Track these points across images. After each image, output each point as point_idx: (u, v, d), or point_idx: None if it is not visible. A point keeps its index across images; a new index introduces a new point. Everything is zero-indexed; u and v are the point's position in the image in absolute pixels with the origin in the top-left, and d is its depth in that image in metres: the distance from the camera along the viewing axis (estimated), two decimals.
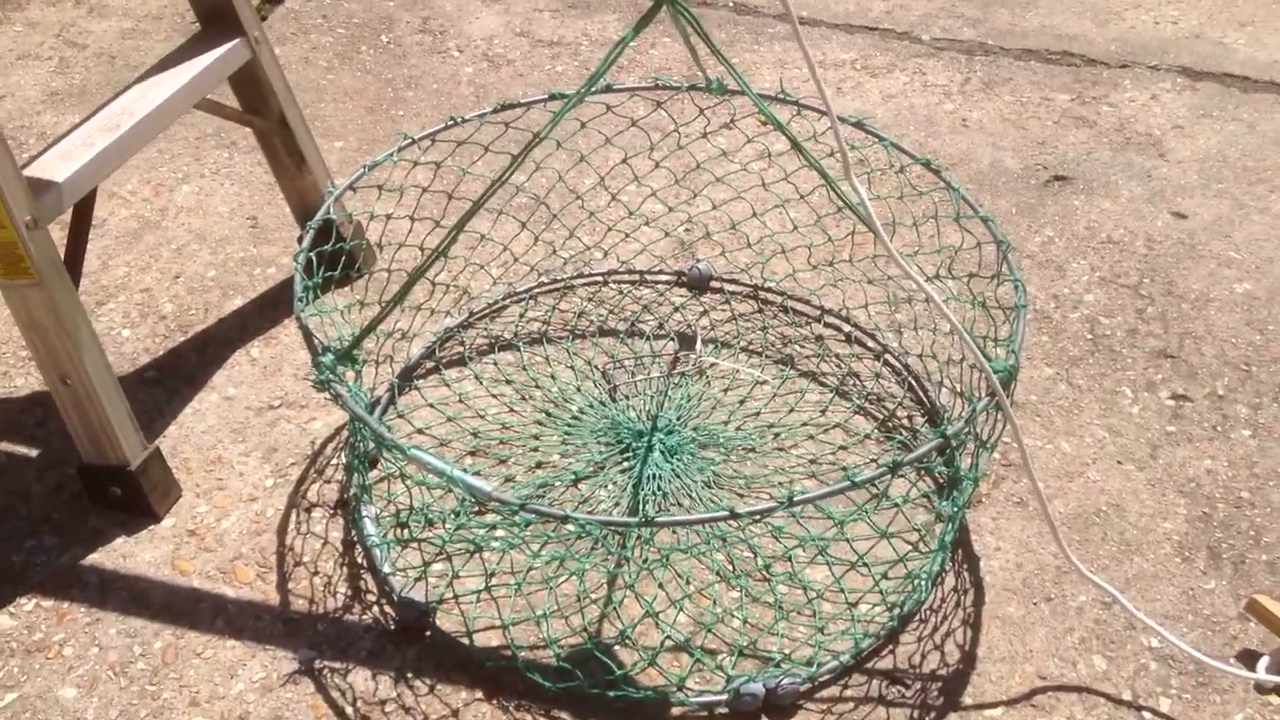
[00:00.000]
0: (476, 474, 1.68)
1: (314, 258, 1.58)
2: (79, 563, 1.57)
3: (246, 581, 1.55)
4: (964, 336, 1.30)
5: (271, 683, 1.42)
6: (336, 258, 1.70)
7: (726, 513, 1.21)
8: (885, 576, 1.46)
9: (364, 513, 1.58)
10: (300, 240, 1.82)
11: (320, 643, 1.47)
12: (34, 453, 1.74)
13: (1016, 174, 2.32)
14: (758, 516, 1.21)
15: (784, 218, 2.11)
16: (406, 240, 1.96)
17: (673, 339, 1.95)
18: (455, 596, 1.51)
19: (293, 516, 1.64)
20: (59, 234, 1.63)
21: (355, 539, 1.60)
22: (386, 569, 1.53)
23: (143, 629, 1.49)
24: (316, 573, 1.56)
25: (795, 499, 1.22)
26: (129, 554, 1.59)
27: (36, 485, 1.69)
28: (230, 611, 1.51)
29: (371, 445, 1.61)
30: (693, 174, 2.16)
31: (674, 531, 1.59)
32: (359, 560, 1.57)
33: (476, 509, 1.61)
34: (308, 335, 1.41)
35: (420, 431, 1.76)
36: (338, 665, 1.44)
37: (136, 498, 1.61)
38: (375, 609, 1.51)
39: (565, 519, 1.20)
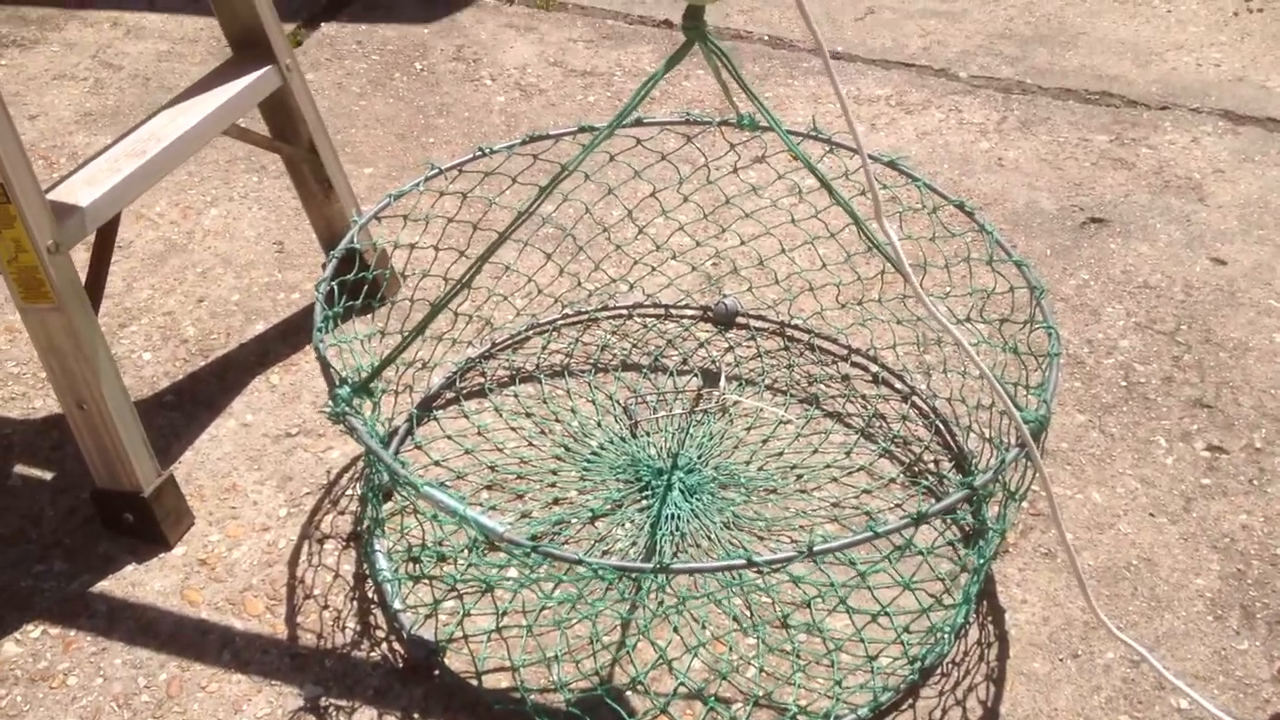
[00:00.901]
0: (492, 509, 1.66)
1: (336, 287, 1.58)
2: (88, 590, 1.56)
3: (255, 614, 1.53)
4: (993, 383, 1.27)
5: (277, 718, 1.40)
6: (360, 286, 1.69)
7: (744, 560, 1.18)
8: (907, 630, 1.42)
9: (376, 546, 1.57)
10: (324, 268, 1.81)
11: (327, 679, 1.45)
12: (49, 476, 1.74)
13: (1052, 215, 2.29)
14: (777, 566, 1.18)
15: (813, 255, 2.08)
16: (431, 269, 1.95)
17: (696, 375, 1.92)
18: (465, 636, 1.48)
19: (305, 547, 1.63)
20: (81, 257, 1.63)
21: (367, 572, 1.58)
22: (397, 605, 1.51)
23: (149, 660, 1.47)
24: (326, 606, 1.54)
25: (816, 548, 1.19)
26: (139, 582, 1.58)
27: (49, 509, 1.68)
28: (237, 644, 1.49)
29: (386, 479, 1.59)
30: (721, 209, 2.14)
31: (691, 577, 1.56)
32: (369, 595, 1.55)
33: (489, 546, 1.59)
34: (325, 366, 1.40)
35: (437, 464, 1.75)
36: (343, 703, 1.42)
37: (148, 525, 1.61)
38: (384, 646, 1.49)
39: (578, 562, 1.18)
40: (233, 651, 1.49)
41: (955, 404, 1.83)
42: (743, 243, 2.06)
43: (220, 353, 1.99)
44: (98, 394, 1.51)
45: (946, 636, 1.45)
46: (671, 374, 1.92)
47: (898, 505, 1.68)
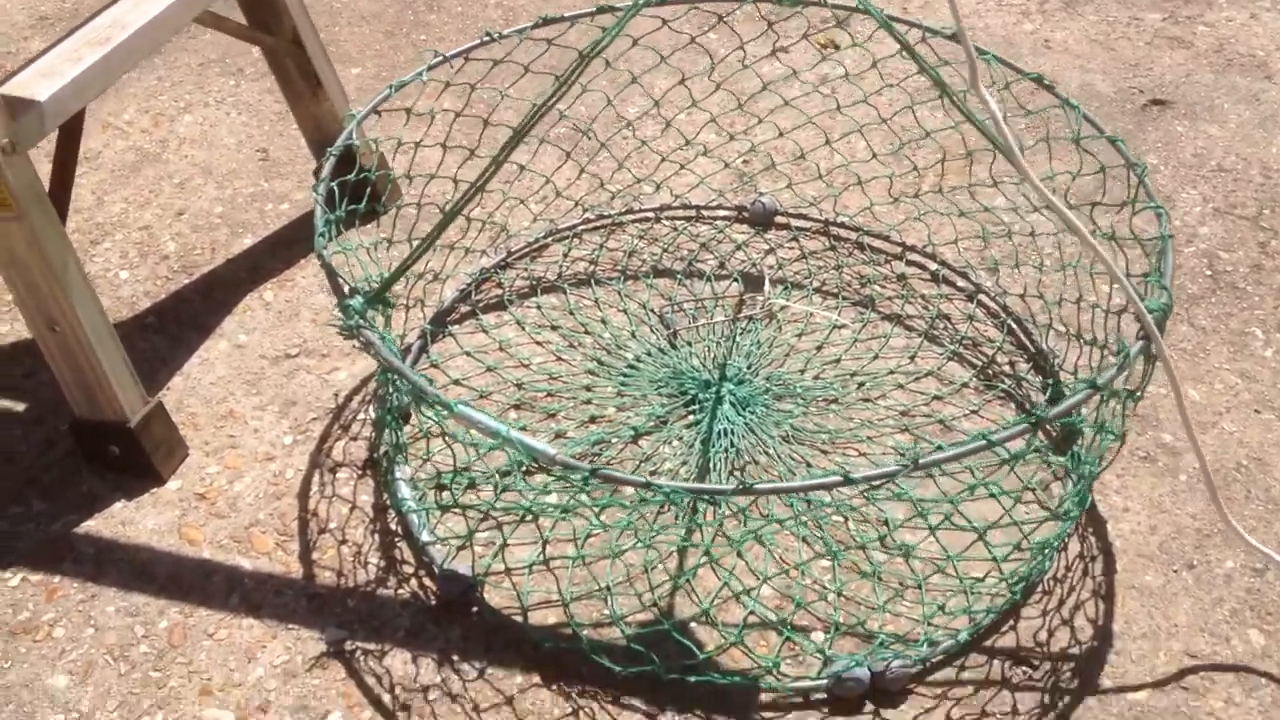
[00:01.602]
0: (523, 430, 1.49)
1: (335, 189, 1.39)
2: (72, 531, 1.39)
3: (265, 551, 1.37)
4: (1114, 271, 1.11)
5: (296, 667, 1.24)
6: (359, 190, 1.50)
7: (839, 477, 1.03)
8: (1019, 547, 1.27)
9: (398, 474, 1.40)
10: (318, 171, 1.62)
11: (351, 621, 1.29)
12: (21, 407, 1.56)
13: (1110, 98, 2.12)
14: (877, 482, 1.02)
15: (859, 145, 1.91)
16: (437, 172, 1.76)
17: (736, 279, 1.76)
18: (505, 568, 1.32)
19: (315, 477, 1.46)
20: (46, 168, 1.44)
21: (388, 503, 1.41)
22: (425, 537, 1.35)
23: (145, 606, 1.31)
24: (344, 541, 1.38)
25: (921, 460, 1.03)
26: (129, 521, 1.41)
27: (23, 443, 1.51)
28: (246, 586, 1.33)
29: (405, 399, 1.42)
30: (757, 97, 1.95)
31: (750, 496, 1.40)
32: (393, 527, 1.39)
33: (526, 469, 1.43)
34: (332, 275, 1.22)
35: (457, 383, 1.58)
36: (372, 646, 1.26)
37: (137, 458, 1.43)
38: (413, 582, 1.33)
39: (647, 485, 1.02)
40: (242, 594, 1.32)
41: (1030, 300, 1.67)
42: (780, 135, 1.88)
43: (205, 269, 1.81)
44: (70, 313, 1.33)
45: (1049, 551, 1.30)
46: (709, 279, 1.75)
47: (974, 412, 1.52)
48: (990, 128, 1.16)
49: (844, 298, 1.72)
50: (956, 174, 1.87)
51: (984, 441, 1.05)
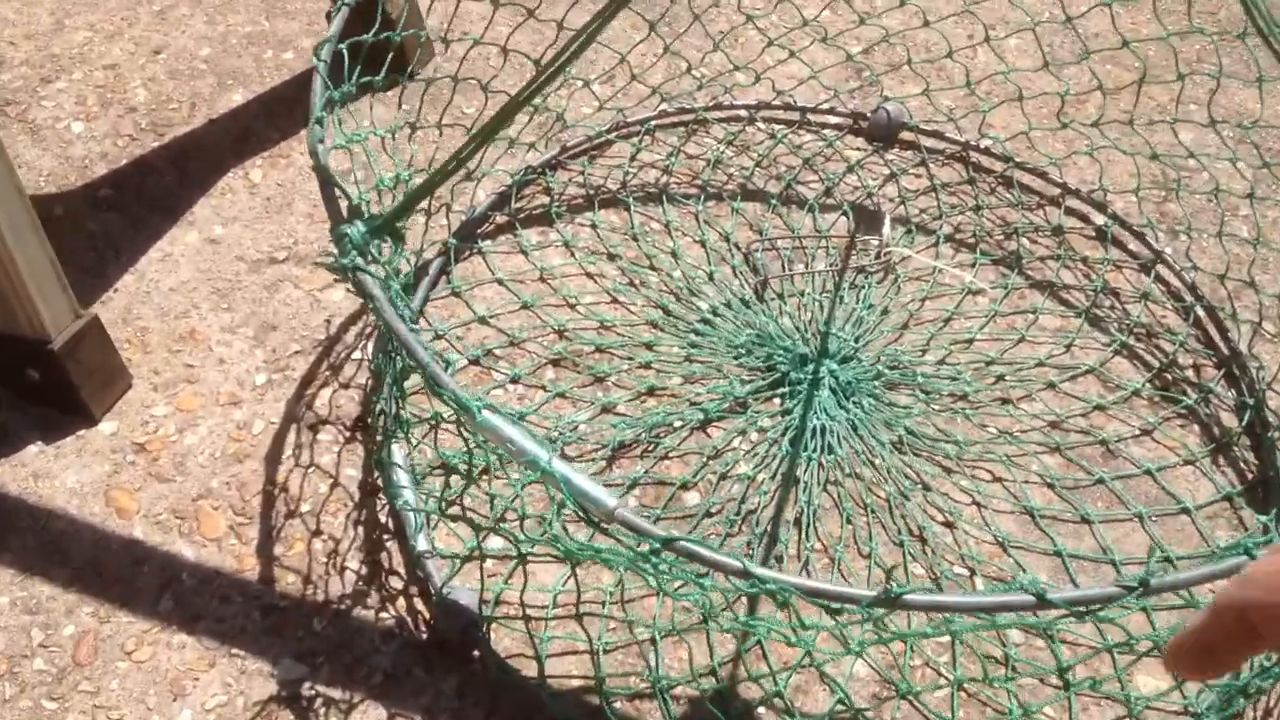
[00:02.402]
0: (560, 397, 1.17)
1: (346, 51, 1.02)
2: None
3: (214, 537, 1.07)
4: None
5: (234, 715, 0.95)
6: (381, 51, 1.12)
7: (1031, 596, 0.69)
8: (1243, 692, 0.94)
9: (395, 454, 1.07)
10: (329, 16, 1.25)
11: (314, 652, 0.99)
12: None
13: None
14: (1086, 609, 0.69)
15: (1024, 48, 1.51)
16: (483, 36, 1.38)
17: (846, 213, 1.39)
18: (521, 601, 1.01)
19: (290, 436, 1.15)
20: None
21: (379, 482, 1.10)
22: (421, 545, 1.04)
23: (51, 601, 1.01)
24: (318, 532, 1.07)
25: (1153, 583, 0.70)
26: (44, 473, 1.10)
27: None
28: (184, 585, 1.03)
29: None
30: None
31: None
32: (381, 518, 1.08)
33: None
34: (326, 183, 0.88)
35: (483, 321, 1.24)
36: (337, 695, 0.97)
37: (61, 388, 1.12)
38: (400, 603, 1.02)
39: (745, 574, 0.69)
40: (177, 595, 1.03)
41: (1230, 282, 1.31)
42: (925, 24, 1.47)
43: (181, 130, 1.46)
44: None
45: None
46: (811, 209, 1.40)
47: (1146, 432, 1.18)
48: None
49: (983, 252, 1.36)
50: (1156, 100, 1.47)
51: (1244, 556, 0.73)
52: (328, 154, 0.90)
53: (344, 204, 0.88)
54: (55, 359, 1.10)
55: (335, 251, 0.85)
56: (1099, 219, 1.40)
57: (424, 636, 1.00)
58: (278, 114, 1.48)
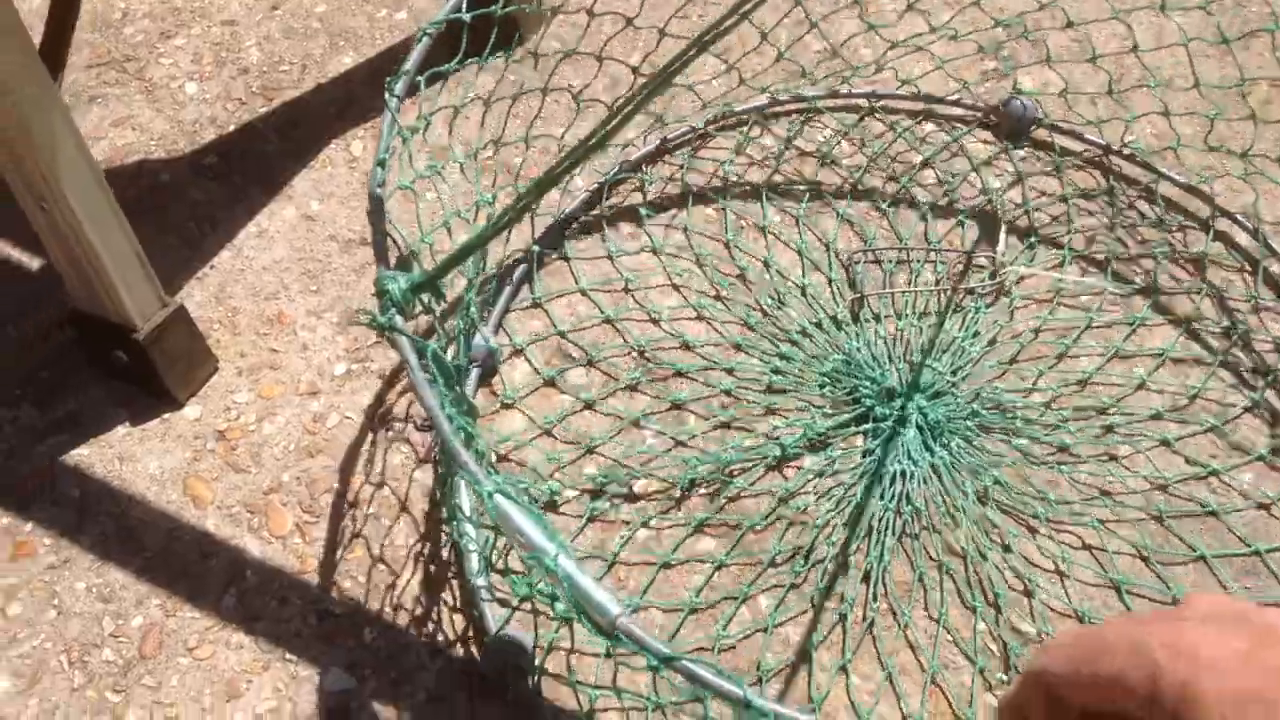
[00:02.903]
0: (635, 426, 1.16)
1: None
2: (59, 459, 1.16)
3: (280, 534, 1.12)
4: None
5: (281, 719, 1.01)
6: (486, 26, 1.09)
7: None
8: None
9: (459, 490, 1.08)
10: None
11: (362, 664, 1.03)
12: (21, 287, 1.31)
13: None
14: None
15: (1177, 63, 1.40)
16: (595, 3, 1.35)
17: (963, 219, 1.34)
18: (572, 648, 1.03)
19: (366, 434, 1.18)
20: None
21: (445, 500, 1.13)
22: (479, 581, 1.05)
23: (123, 590, 1.08)
24: (387, 542, 1.11)
25: None
26: (129, 456, 1.17)
27: (13, 328, 1.26)
28: (248, 582, 1.09)
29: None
30: None
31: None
32: (444, 532, 1.11)
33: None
34: (378, 231, 0.88)
35: (563, 335, 1.24)
36: (379, 708, 1.01)
37: (146, 373, 1.18)
38: (452, 627, 1.05)
39: (746, 705, 0.69)
40: (240, 593, 1.08)
41: None
42: (1068, 25, 1.38)
43: (289, 95, 1.49)
44: (59, 196, 1.04)
45: None
46: (924, 214, 1.34)
47: (1263, 507, 1.11)
48: None
49: (1116, 276, 1.29)
50: None
51: None
52: (389, 195, 0.90)
53: (398, 243, 0.89)
54: (140, 347, 1.15)
55: (375, 308, 0.85)
56: (1252, 247, 1.30)
57: (469, 665, 1.03)
58: (383, 81, 1.49)
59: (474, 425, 0.83)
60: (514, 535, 0.72)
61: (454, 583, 1.07)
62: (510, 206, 0.83)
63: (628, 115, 0.76)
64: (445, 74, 1.06)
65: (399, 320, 0.81)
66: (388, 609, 1.06)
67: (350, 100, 1.47)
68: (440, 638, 1.04)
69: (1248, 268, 1.29)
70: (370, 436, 1.18)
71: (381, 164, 0.90)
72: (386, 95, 0.94)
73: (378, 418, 1.19)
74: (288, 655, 1.04)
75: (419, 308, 0.85)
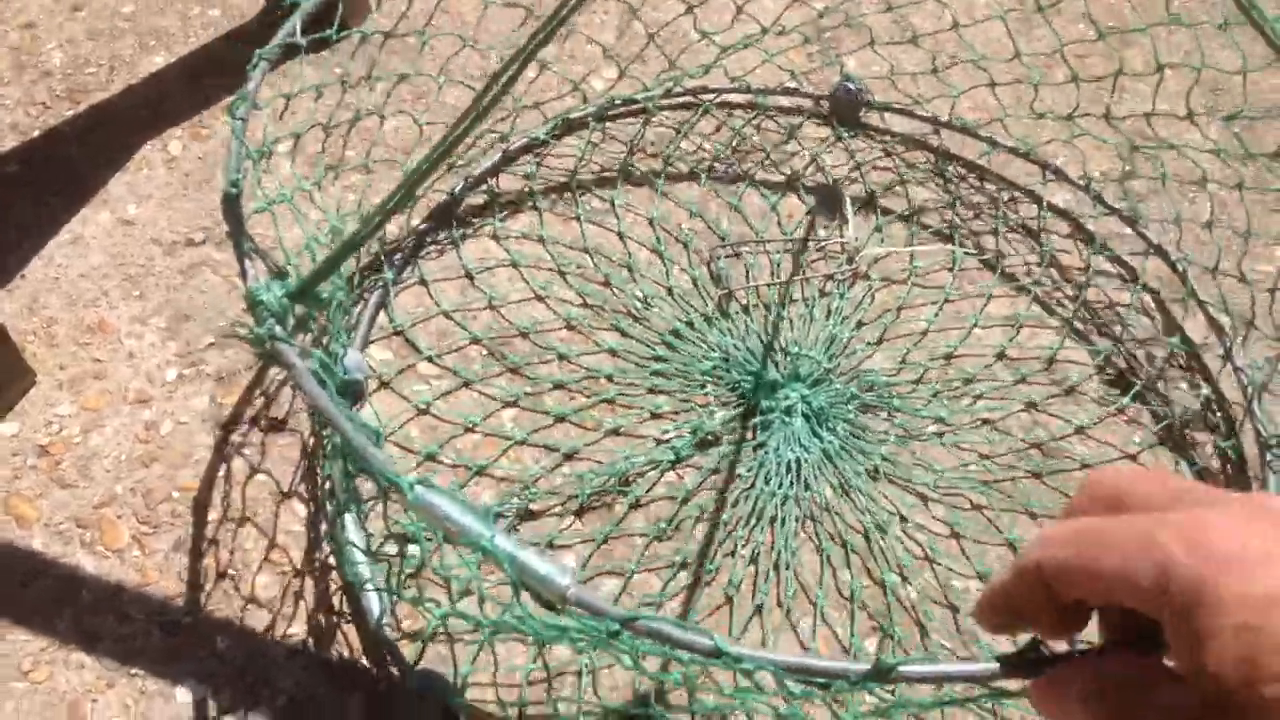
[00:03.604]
0: (520, 445, 1.18)
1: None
2: None
3: (116, 548, 1.08)
4: None
5: None
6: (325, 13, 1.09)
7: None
8: None
9: (348, 529, 1.03)
10: None
11: (216, 672, 1.01)
12: None
13: None
14: None
15: (993, 38, 1.52)
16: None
17: (810, 210, 1.41)
18: (495, 675, 1.03)
19: (200, 438, 1.16)
20: None
21: (298, 489, 1.12)
22: (385, 621, 1.03)
23: None
24: (235, 546, 1.09)
25: None
26: None
27: None
28: (84, 600, 1.05)
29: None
30: None
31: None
32: (295, 527, 1.10)
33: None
34: (233, 219, 0.87)
35: (431, 360, 1.25)
36: (239, 718, 0.99)
37: None
38: (307, 625, 1.04)
39: (717, 652, 0.67)
40: (75, 613, 1.04)
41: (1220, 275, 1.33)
42: (889, 9, 1.48)
43: (97, 98, 1.46)
44: None
45: None
46: (774, 205, 1.41)
47: (1133, 455, 1.21)
48: None
49: (964, 248, 1.38)
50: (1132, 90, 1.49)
51: None
52: (243, 128, 0.89)
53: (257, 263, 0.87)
54: None
55: (253, 320, 0.82)
56: (1076, 205, 1.42)
57: (324, 654, 1.03)
58: (202, 79, 1.48)
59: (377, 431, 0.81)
60: (442, 524, 0.70)
61: (307, 579, 1.07)
62: (383, 203, 0.83)
63: (496, 96, 0.78)
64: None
65: (279, 330, 0.80)
66: (239, 615, 1.04)
67: (164, 99, 1.46)
68: (298, 637, 1.03)
69: (1080, 235, 1.41)
70: (206, 438, 1.16)
71: (235, 184, 0.88)
72: (230, 120, 0.93)
73: (216, 405, 1.17)
74: (133, 671, 1.00)
75: (294, 322, 0.84)
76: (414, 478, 0.67)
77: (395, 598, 1.01)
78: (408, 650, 1.01)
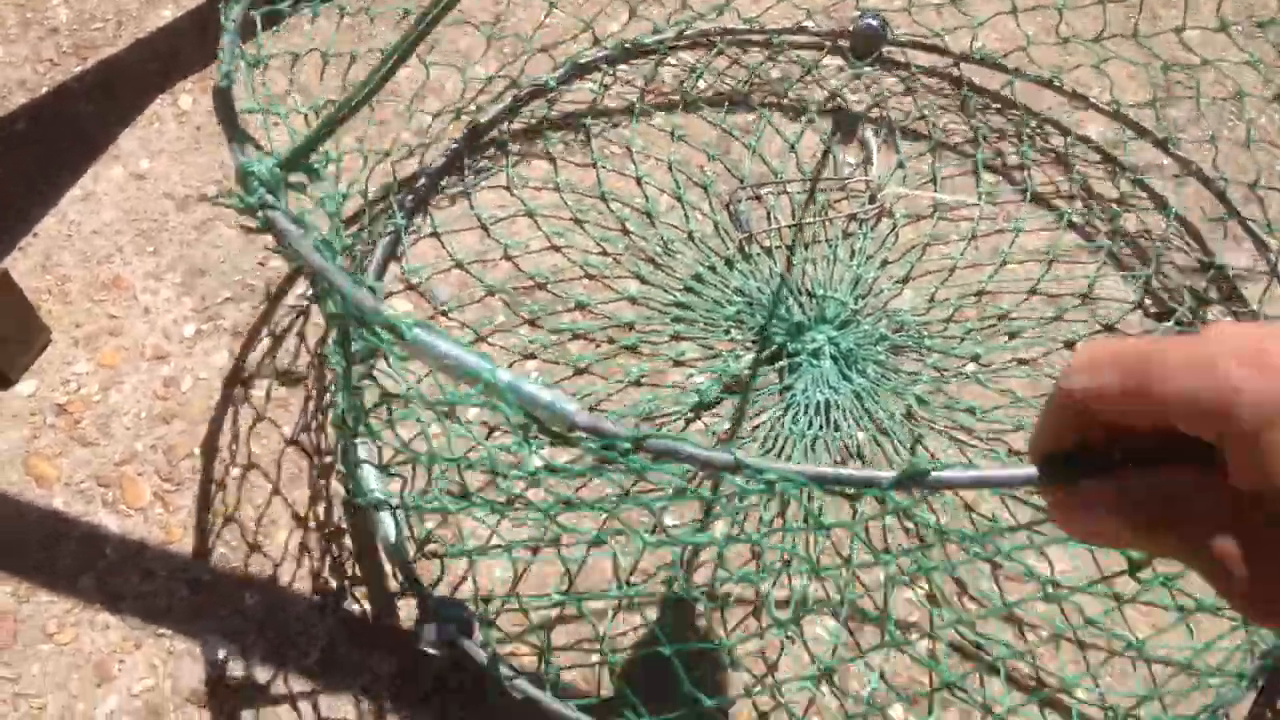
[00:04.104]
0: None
1: None
2: None
3: (138, 506, 1.08)
4: None
5: (161, 701, 0.97)
6: None
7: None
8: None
9: (360, 455, 1.02)
10: None
11: (243, 630, 1.01)
12: None
13: None
14: None
15: None
16: None
17: (829, 145, 1.38)
18: (518, 599, 1.02)
19: (219, 393, 1.15)
20: None
21: (316, 443, 1.11)
22: (396, 541, 1.02)
23: None
24: (259, 502, 1.08)
25: None
26: None
27: None
28: (108, 560, 1.05)
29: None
30: None
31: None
32: (317, 479, 1.09)
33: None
34: (224, 108, 0.84)
35: (445, 314, 1.23)
36: (268, 676, 0.99)
37: None
38: (336, 581, 1.04)
39: (736, 467, 0.61)
40: (98, 573, 1.04)
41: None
42: None
43: (105, 53, 1.44)
44: None
45: None
46: (793, 145, 1.38)
47: None
48: None
49: (988, 183, 1.35)
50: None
51: None
52: (235, 42, 0.86)
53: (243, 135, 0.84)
54: None
55: (242, 189, 0.80)
56: (1110, 133, 1.39)
57: (356, 610, 1.02)
58: (209, 32, 1.46)
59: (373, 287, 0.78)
60: (443, 362, 0.67)
61: (336, 537, 1.06)
62: (372, 73, 0.81)
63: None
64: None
65: (270, 198, 0.78)
66: (266, 571, 1.04)
67: (174, 53, 1.44)
68: (326, 594, 1.03)
69: (1112, 164, 1.38)
70: (230, 395, 1.15)
71: (227, 77, 0.86)
72: (223, 19, 0.90)
73: (240, 359, 1.16)
74: (160, 630, 1.01)
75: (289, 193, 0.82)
76: (412, 319, 0.65)
77: (409, 514, 1.00)
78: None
